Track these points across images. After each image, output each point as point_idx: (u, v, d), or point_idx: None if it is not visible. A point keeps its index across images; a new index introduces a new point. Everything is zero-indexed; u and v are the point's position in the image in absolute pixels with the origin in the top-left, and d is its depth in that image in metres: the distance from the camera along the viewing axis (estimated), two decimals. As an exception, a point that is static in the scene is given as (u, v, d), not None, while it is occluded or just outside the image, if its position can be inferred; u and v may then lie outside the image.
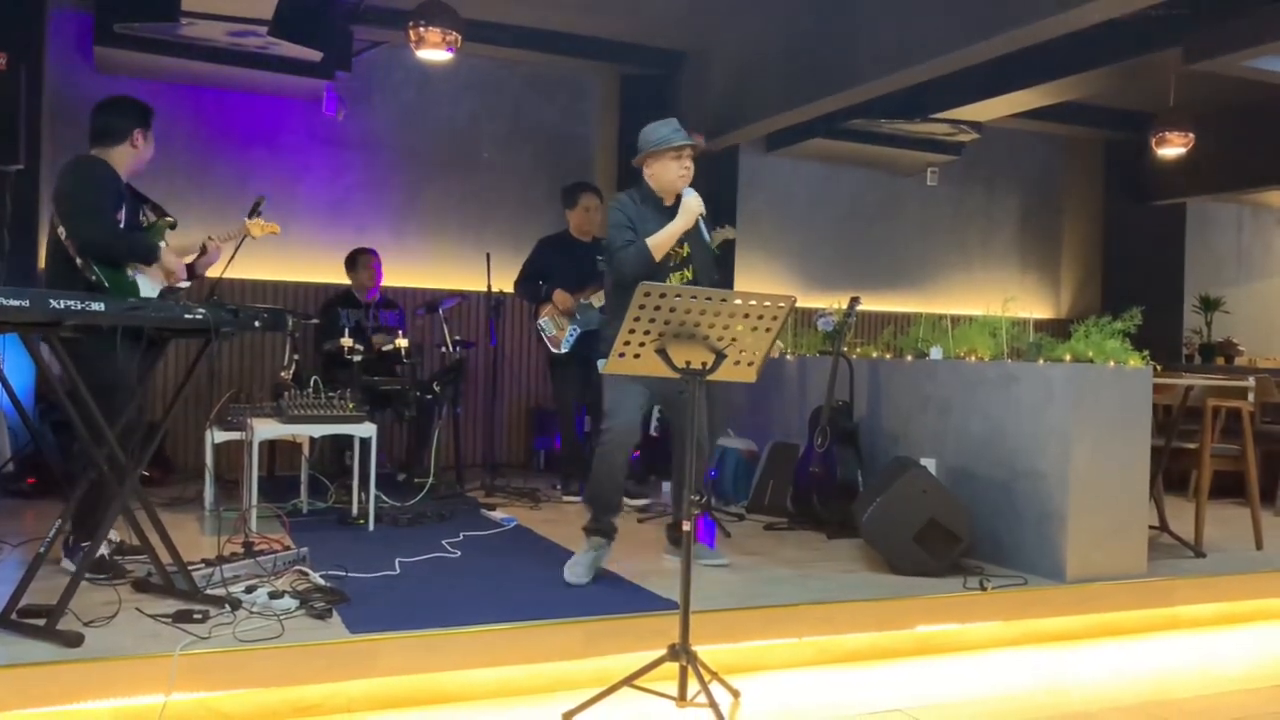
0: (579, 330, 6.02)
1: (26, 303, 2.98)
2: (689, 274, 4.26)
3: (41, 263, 4.87)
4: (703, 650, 3.18)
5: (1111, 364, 4.44)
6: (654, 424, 6.83)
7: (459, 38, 5.81)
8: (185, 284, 4.24)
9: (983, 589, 4.12)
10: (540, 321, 6.13)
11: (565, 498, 6.16)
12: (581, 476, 6.23)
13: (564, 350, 6.05)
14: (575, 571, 4.04)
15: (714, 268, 4.37)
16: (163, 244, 4.11)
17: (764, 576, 4.31)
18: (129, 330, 3.45)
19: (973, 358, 4.88)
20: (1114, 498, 4.40)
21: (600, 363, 3.78)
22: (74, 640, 3.04)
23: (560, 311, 6.05)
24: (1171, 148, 7.49)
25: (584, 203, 6.28)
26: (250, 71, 6.65)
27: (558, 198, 6.69)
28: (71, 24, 6.80)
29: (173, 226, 4.25)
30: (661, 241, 4.10)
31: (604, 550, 4.16)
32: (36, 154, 6.19)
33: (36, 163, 6.16)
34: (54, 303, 3.07)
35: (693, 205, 4.13)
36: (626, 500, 5.94)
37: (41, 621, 3.13)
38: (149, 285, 4.05)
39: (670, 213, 4.21)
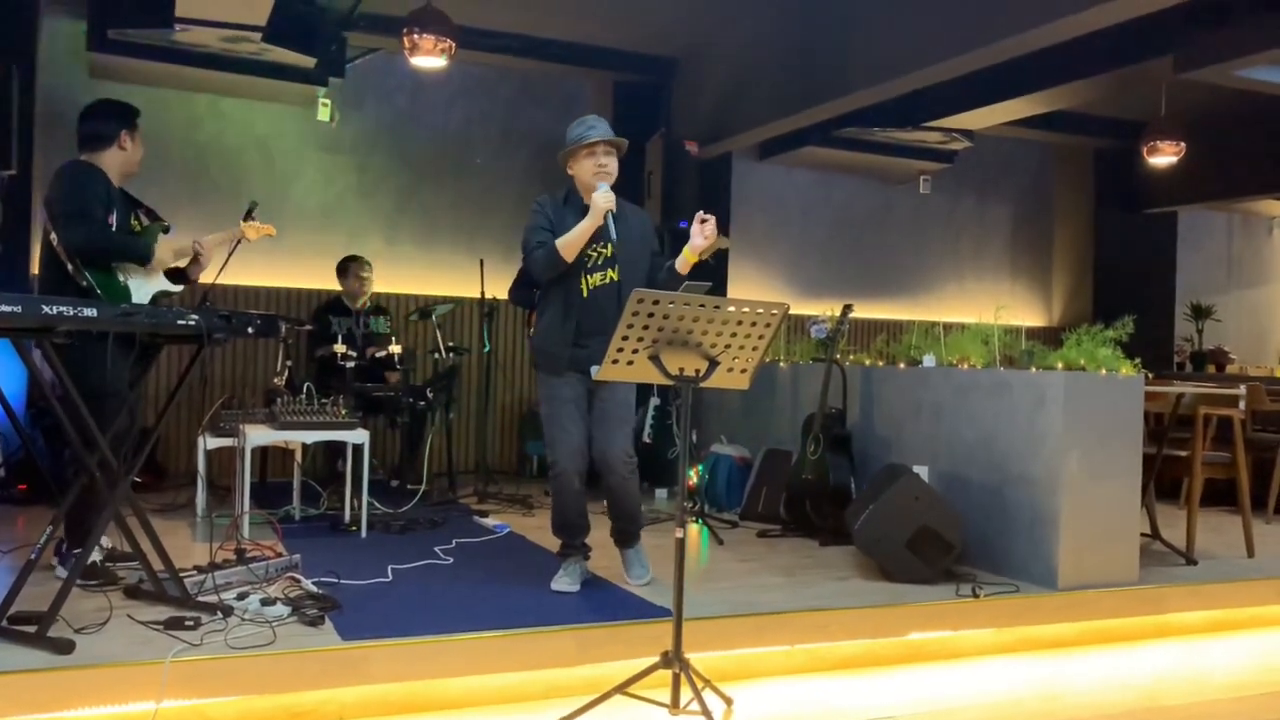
0: None
1: (19, 308, 2.98)
2: (614, 274, 4.03)
3: (35, 268, 4.85)
4: (695, 658, 3.18)
5: (1103, 372, 4.45)
6: (647, 430, 6.84)
7: (453, 45, 5.82)
8: (176, 288, 4.23)
9: (975, 596, 4.13)
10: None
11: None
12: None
13: None
14: (564, 582, 4.05)
15: (654, 266, 4.14)
16: (157, 244, 4.10)
17: (757, 584, 4.31)
18: (121, 336, 3.44)
19: (965, 365, 4.90)
20: (1106, 505, 4.41)
21: (593, 369, 3.76)
22: (65, 647, 3.03)
23: None
24: (1163, 156, 7.53)
25: None
26: (244, 77, 6.64)
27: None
28: (65, 29, 6.79)
29: (166, 231, 4.24)
30: (570, 241, 3.93)
31: (584, 563, 4.19)
32: (29, 159, 6.17)
33: (29, 168, 6.14)
34: (46, 308, 3.07)
35: (599, 202, 3.90)
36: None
37: (32, 628, 3.11)
38: (141, 289, 4.04)
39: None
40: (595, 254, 4.04)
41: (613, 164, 4.05)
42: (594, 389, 4.05)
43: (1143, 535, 4.70)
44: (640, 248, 4.13)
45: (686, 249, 3.97)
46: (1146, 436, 4.68)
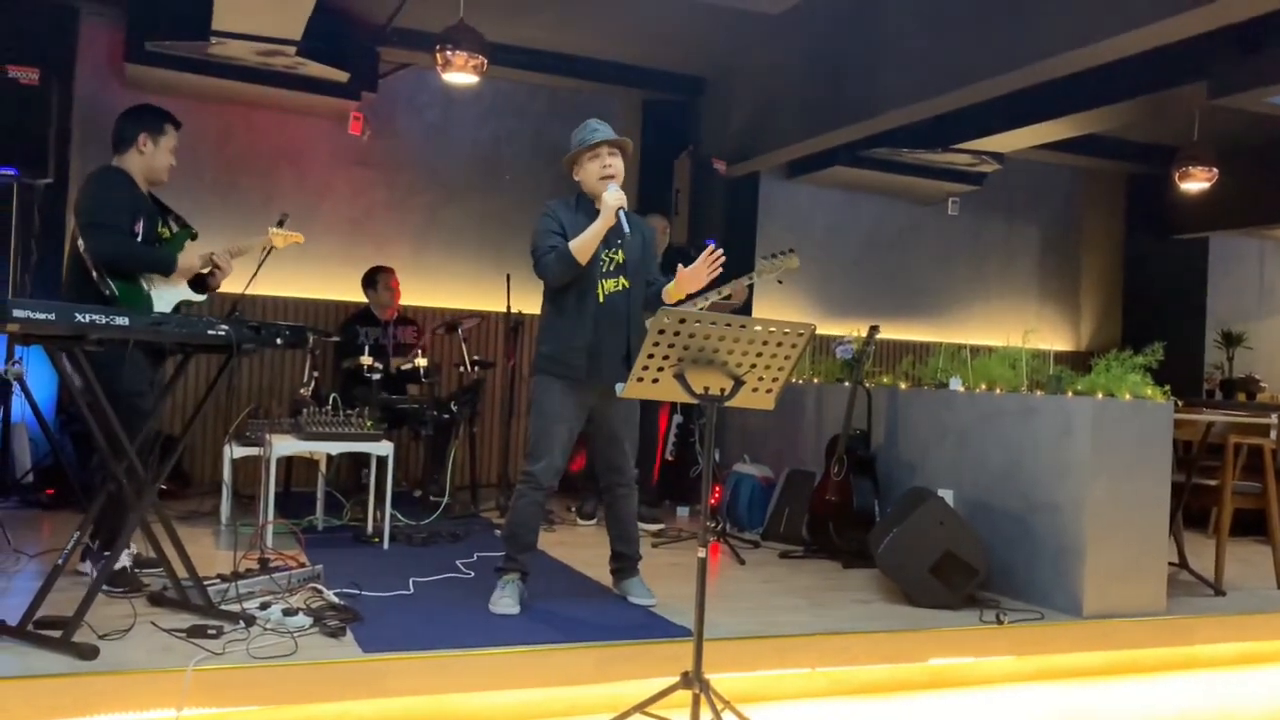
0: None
1: (53, 315, 3.01)
2: (625, 281, 4.00)
3: (66, 275, 4.91)
4: (716, 678, 3.15)
5: (1132, 398, 4.41)
6: (670, 447, 6.83)
7: (485, 62, 5.86)
8: (200, 297, 4.26)
9: (999, 622, 4.09)
10: None
11: (580, 521, 6.15)
12: (600, 500, 6.21)
13: None
14: (504, 604, 3.90)
15: (653, 271, 4.14)
16: (181, 255, 4.14)
17: (778, 605, 4.28)
18: (150, 345, 3.48)
19: (992, 389, 4.86)
20: (1133, 533, 4.36)
21: (619, 386, 3.75)
22: (89, 653, 3.05)
23: None
24: (1194, 182, 7.47)
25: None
26: (278, 91, 6.73)
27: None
28: (103, 40, 6.89)
29: (193, 238, 4.28)
30: (584, 244, 3.84)
31: (523, 585, 4.02)
32: (65, 168, 6.27)
33: (65, 176, 6.24)
34: (79, 316, 3.10)
35: (610, 201, 3.82)
36: (640, 525, 5.94)
37: (58, 633, 3.14)
38: (164, 298, 4.07)
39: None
40: (608, 259, 4.00)
41: (618, 164, 3.99)
42: (600, 403, 3.99)
43: (1170, 565, 4.64)
44: (645, 257, 4.11)
45: (672, 286, 3.93)
46: (1175, 465, 4.63)
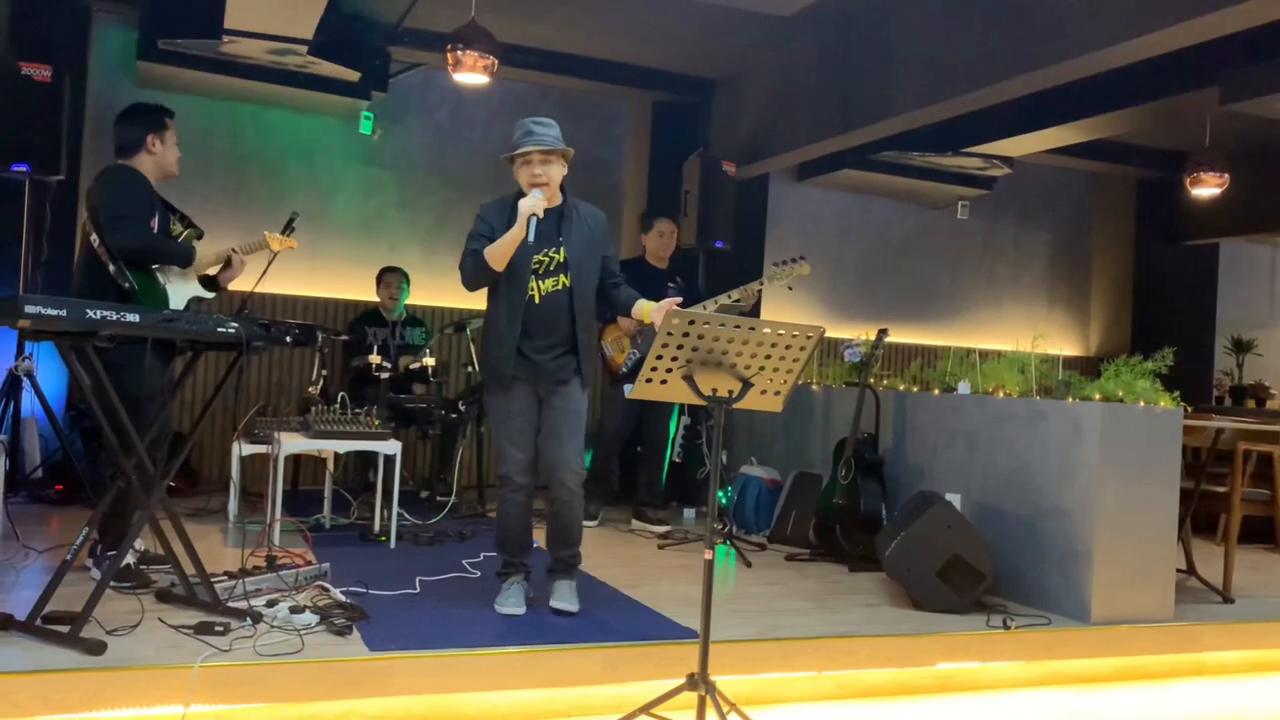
0: (638, 355, 5.95)
1: (64, 312, 3.03)
2: (565, 280, 3.91)
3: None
4: (722, 680, 3.15)
5: (1141, 404, 4.39)
6: (677, 449, 6.83)
7: (495, 62, 5.86)
8: (210, 295, 4.28)
9: (1006, 628, 4.08)
10: (602, 344, 6.05)
11: (584, 521, 6.13)
12: (605, 501, 6.22)
13: (623, 373, 5.95)
14: (509, 604, 3.89)
15: (606, 270, 4.05)
16: (199, 246, 4.16)
17: (784, 608, 4.28)
18: (161, 341, 3.49)
19: (1000, 393, 4.85)
20: (1141, 539, 4.35)
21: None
22: (97, 648, 3.06)
23: (623, 334, 6.00)
24: (1205, 188, 7.44)
25: (659, 228, 6.28)
26: (289, 89, 6.73)
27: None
28: (116, 38, 6.92)
29: (199, 237, 4.30)
30: (499, 251, 3.79)
31: (526, 584, 4.01)
32: (77, 165, 6.29)
33: (77, 174, 6.26)
34: (90, 312, 3.12)
35: (522, 207, 3.76)
36: (647, 526, 5.95)
37: (66, 628, 3.15)
38: (178, 293, 4.10)
39: (559, 216, 3.95)
40: (547, 259, 3.91)
41: (551, 172, 3.89)
42: (546, 399, 3.94)
43: (1179, 571, 4.62)
44: (591, 251, 4.00)
45: (647, 310, 3.85)
46: (1184, 471, 4.61)
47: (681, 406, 6.69)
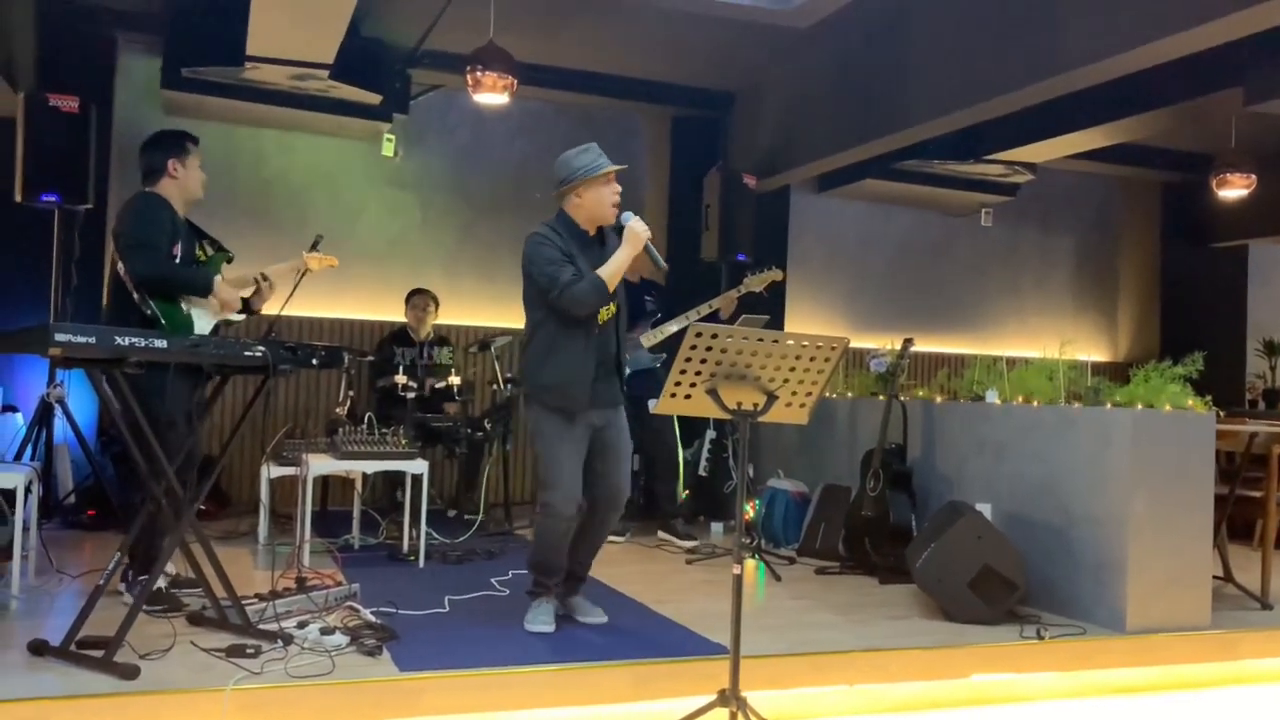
0: (628, 370, 5.99)
1: (93, 339, 3.06)
2: (614, 306, 3.93)
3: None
4: (753, 696, 3.13)
5: (1172, 409, 4.34)
6: (703, 465, 6.81)
7: (514, 82, 5.90)
8: (239, 317, 4.32)
9: (1039, 638, 4.04)
10: None
11: (610, 537, 6.12)
12: (626, 515, 6.21)
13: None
14: (539, 622, 3.88)
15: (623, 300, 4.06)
16: (218, 277, 4.20)
17: (815, 621, 4.25)
18: (188, 366, 3.52)
19: (1029, 401, 4.81)
20: (1175, 546, 4.29)
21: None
22: (130, 672, 3.08)
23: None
24: (1232, 189, 7.38)
25: None
26: (311, 114, 6.81)
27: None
28: (141, 67, 7.01)
29: (229, 260, 4.35)
30: (613, 273, 3.79)
31: (555, 603, 4.01)
32: (105, 194, 6.37)
33: (104, 202, 6.34)
34: (119, 339, 3.15)
35: (639, 230, 3.78)
36: (674, 540, 5.94)
37: (100, 653, 3.18)
38: (203, 319, 4.13)
39: (595, 243, 3.94)
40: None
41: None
42: (600, 424, 3.93)
43: (1215, 578, 4.56)
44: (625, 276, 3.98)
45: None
46: (1218, 476, 4.55)
47: (708, 420, 6.68)
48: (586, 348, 3.86)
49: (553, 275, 3.81)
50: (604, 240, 4.00)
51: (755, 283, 5.64)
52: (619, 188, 3.92)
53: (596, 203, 3.90)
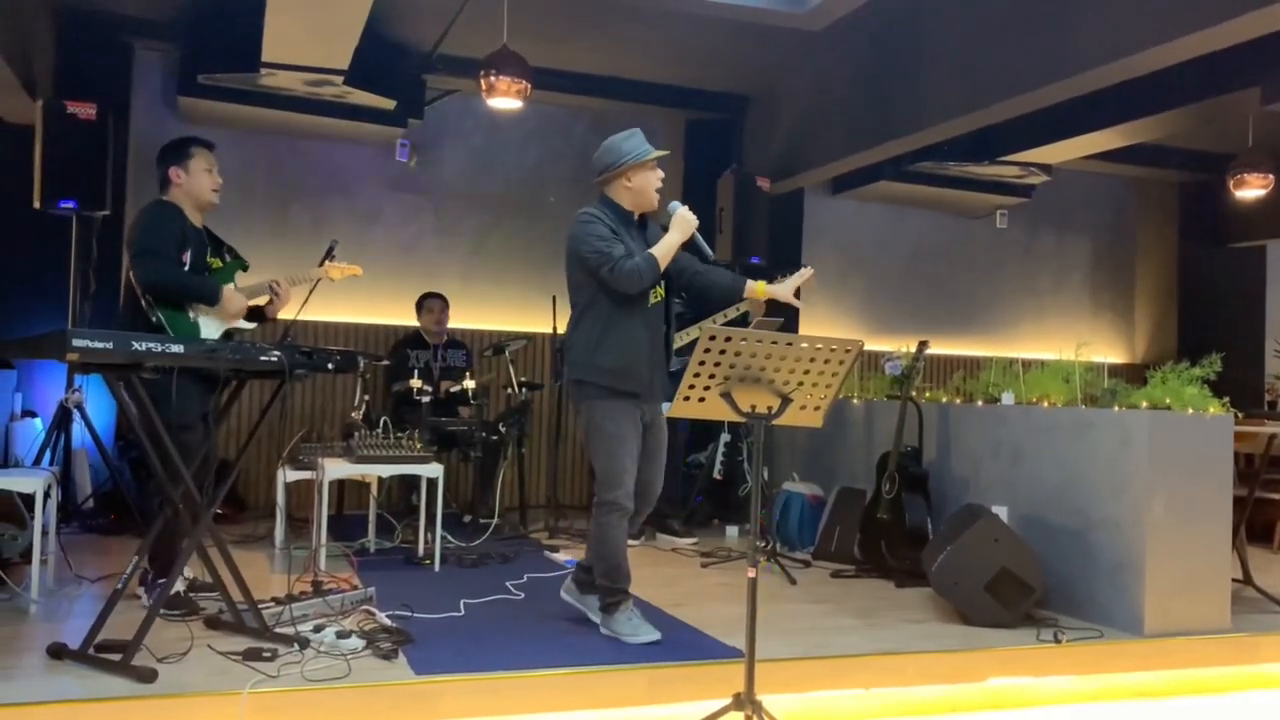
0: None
1: (110, 345, 3.08)
2: (661, 291, 3.92)
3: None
4: (768, 699, 3.13)
5: (1190, 411, 4.32)
6: (718, 467, 6.80)
7: (528, 86, 5.91)
8: (249, 326, 4.33)
9: (1057, 641, 4.02)
10: None
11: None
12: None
13: None
14: (644, 631, 3.80)
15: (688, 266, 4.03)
16: (231, 285, 4.22)
17: (831, 625, 4.24)
18: (204, 371, 3.54)
19: (1045, 403, 4.79)
20: (1194, 549, 4.27)
21: (665, 406, 3.74)
22: (148, 676, 3.10)
23: None
24: (1250, 189, 7.34)
25: None
26: (326, 119, 6.84)
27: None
28: (157, 74, 7.06)
29: (245, 269, 4.37)
30: (665, 252, 3.79)
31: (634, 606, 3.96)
32: (122, 201, 6.42)
33: (121, 209, 6.39)
34: (136, 345, 3.17)
35: (688, 216, 3.81)
36: (674, 540, 5.94)
37: (118, 657, 3.20)
38: (210, 327, 4.14)
39: (640, 227, 3.95)
40: None
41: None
42: (648, 419, 3.90)
43: (1234, 581, 4.53)
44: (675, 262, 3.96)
45: (766, 286, 3.92)
46: (1237, 478, 4.52)
47: (721, 423, 6.68)
48: (645, 330, 3.84)
49: (604, 251, 3.77)
50: (645, 227, 3.99)
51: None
52: (663, 174, 3.96)
53: (644, 187, 3.90)
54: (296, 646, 3.45)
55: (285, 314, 4.54)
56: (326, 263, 4.51)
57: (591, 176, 4.07)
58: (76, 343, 3.01)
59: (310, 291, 4.58)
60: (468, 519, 6.33)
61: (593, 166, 3.99)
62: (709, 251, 3.99)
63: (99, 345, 3.05)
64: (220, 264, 4.29)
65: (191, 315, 4.09)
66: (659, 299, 3.92)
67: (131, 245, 4.07)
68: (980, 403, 5.19)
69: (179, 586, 3.90)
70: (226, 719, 2.97)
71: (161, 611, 3.51)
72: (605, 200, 3.96)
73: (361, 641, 3.51)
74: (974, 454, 5.14)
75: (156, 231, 4.07)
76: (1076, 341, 4.99)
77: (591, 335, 3.87)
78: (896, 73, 6.39)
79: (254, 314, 4.34)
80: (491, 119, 7.64)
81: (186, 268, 4.10)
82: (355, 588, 4.22)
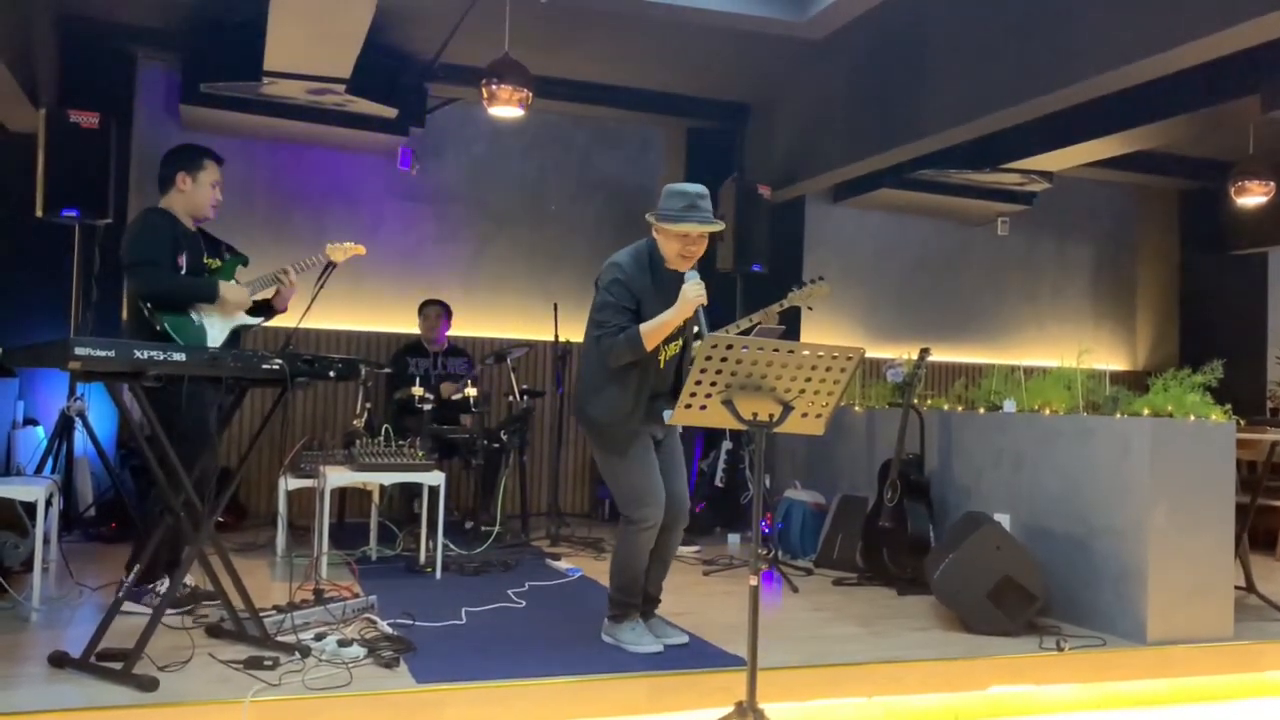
0: None
1: (112, 353, 3.08)
2: (679, 345, 3.86)
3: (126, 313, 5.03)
4: (770, 708, 3.12)
5: (1192, 418, 4.32)
6: (719, 475, 6.80)
7: (529, 94, 5.92)
8: (255, 321, 4.33)
9: (1059, 649, 4.01)
10: None
11: (684, 549, 6.10)
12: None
13: None
14: (647, 641, 3.82)
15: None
16: (232, 280, 4.23)
17: (833, 633, 4.24)
18: (206, 379, 3.54)
19: (1047, 411, 4.79)
20: (1197, 556, 4.26)
21: (666, 414, 3.74)
22: (149, 685, 3.10)
23: None
24: (1251, 196, 7.34)
25: None
26: (328, 128, 6.86)
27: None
28: (160, 83, 7.09)
29: (244, 264, 4.38)
30: (653, 330, 3.66)
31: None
32: (124, 209, 6.42)
33: (124, 217, 6.38)
34: (138, 353, 3.17)
35: (690, 297, 3.59)
36: (685, 550, 5.93)
37: (119, 665, 3.19)
38: (216, 326, 4.15)
39: (674, 278, 3.74)
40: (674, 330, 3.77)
41: (702, 247, 3.77)
42: (660, 435, 3.92)
43: (1237, 589, 4.52)
44: (700, 325, 3.70)
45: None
46: (1239, 485, 4.52)
47: (722, 431, 6.68)
48: (641, 384, 3.78)
49: (602, 321, 3.77)
50: (682, 278, 3.72)
51: (798, 298, 5.36)
52: (695, 248, 3.74)
53: (665, 246, 3.80)
54: (298, 655, 3.45)
55: (287, 321, 4.54)
56: (329, 245, 4.50)
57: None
58: (79, 351, 3.01)
59: (321, 284, 4.46)
60: (469, 527, 6.33)
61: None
62: (707, 333, 3.75)
63: (101, 354, 3.06)
64: (219, 263, 4.31)
65: (196, 317, 4.10)
66: (672, 354, 3.86)
67: (123, 258, 4.10)
68: (982, 410, 5.19)
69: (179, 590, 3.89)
70: (228, 728, 2.97)
71: (168, 611, 3.51)
72: (650, 240, 3.86)
73: (363, 650, 3.51)
74: (976, 462, 5.13)
75: (148, 242, 4.09)
76: (1078, 349, 4.99)
77: (594, 382, 3.86)
78: (897, 81, 6.40)
79: (264, 309, 4.35)
80: (493, 127, 7.66)
81: (184, 271, 4.11)
82: (357, 596, 4.22)
